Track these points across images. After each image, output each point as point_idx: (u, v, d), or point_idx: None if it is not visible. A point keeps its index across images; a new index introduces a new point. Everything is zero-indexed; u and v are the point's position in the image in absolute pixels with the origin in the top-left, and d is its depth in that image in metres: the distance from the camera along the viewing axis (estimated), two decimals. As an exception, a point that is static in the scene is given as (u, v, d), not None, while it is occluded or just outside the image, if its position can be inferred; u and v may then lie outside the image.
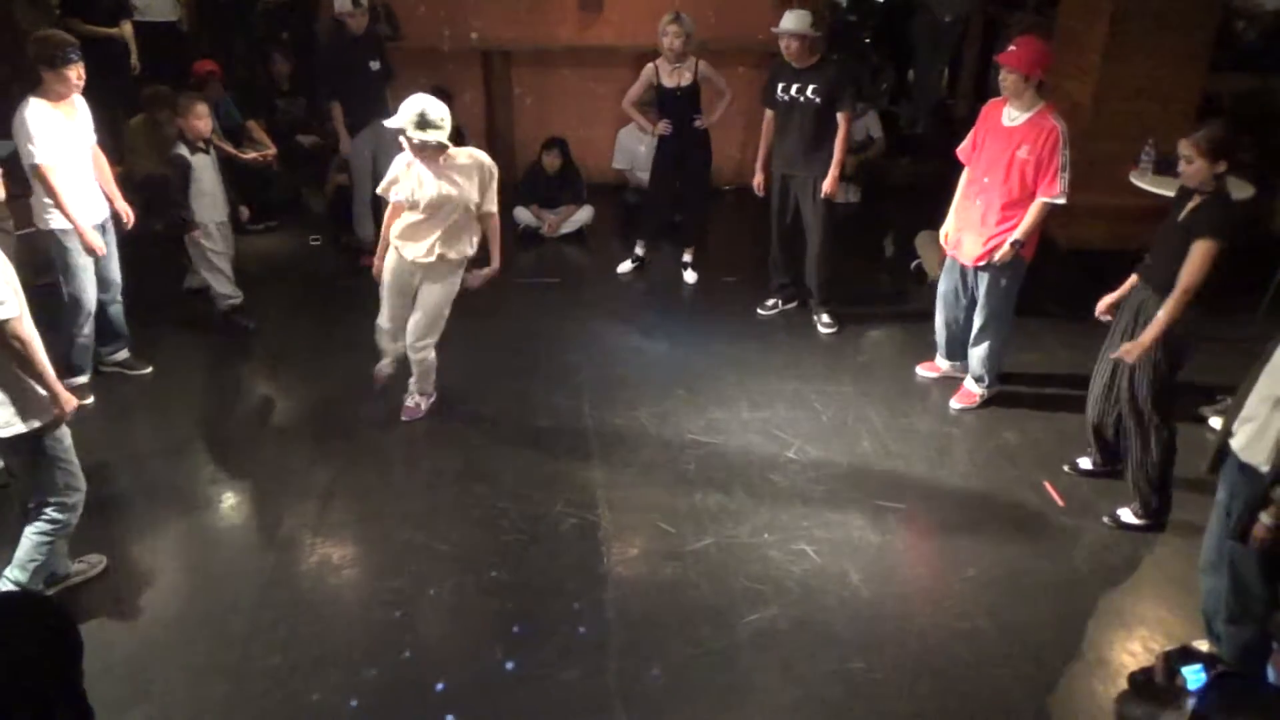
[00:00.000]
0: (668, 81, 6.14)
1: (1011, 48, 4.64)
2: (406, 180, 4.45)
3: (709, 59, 6.25)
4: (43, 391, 3.31)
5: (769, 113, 5.85)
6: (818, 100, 5.53)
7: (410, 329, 4.73)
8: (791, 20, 5.48)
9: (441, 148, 4.31)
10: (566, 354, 5.64)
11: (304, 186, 7.64)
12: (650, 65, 6.18)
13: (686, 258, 6.70)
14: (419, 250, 4.52)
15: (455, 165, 4.43)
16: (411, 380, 4.92)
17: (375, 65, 6.38)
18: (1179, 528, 4.23)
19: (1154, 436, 4.10)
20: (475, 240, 4.63)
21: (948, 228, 5.05)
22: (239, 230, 7.07)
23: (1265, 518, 2.98)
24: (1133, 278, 4.18)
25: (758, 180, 5.97)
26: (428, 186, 4.40)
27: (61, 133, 4.61)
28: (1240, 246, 3.81)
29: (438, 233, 4.48)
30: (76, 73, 4.55)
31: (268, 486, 4.50)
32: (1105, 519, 4.28)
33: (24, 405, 3.30)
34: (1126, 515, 4.27)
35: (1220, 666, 3.33)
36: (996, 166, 4.71)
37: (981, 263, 4.83)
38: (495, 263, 4.73)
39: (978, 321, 4.98)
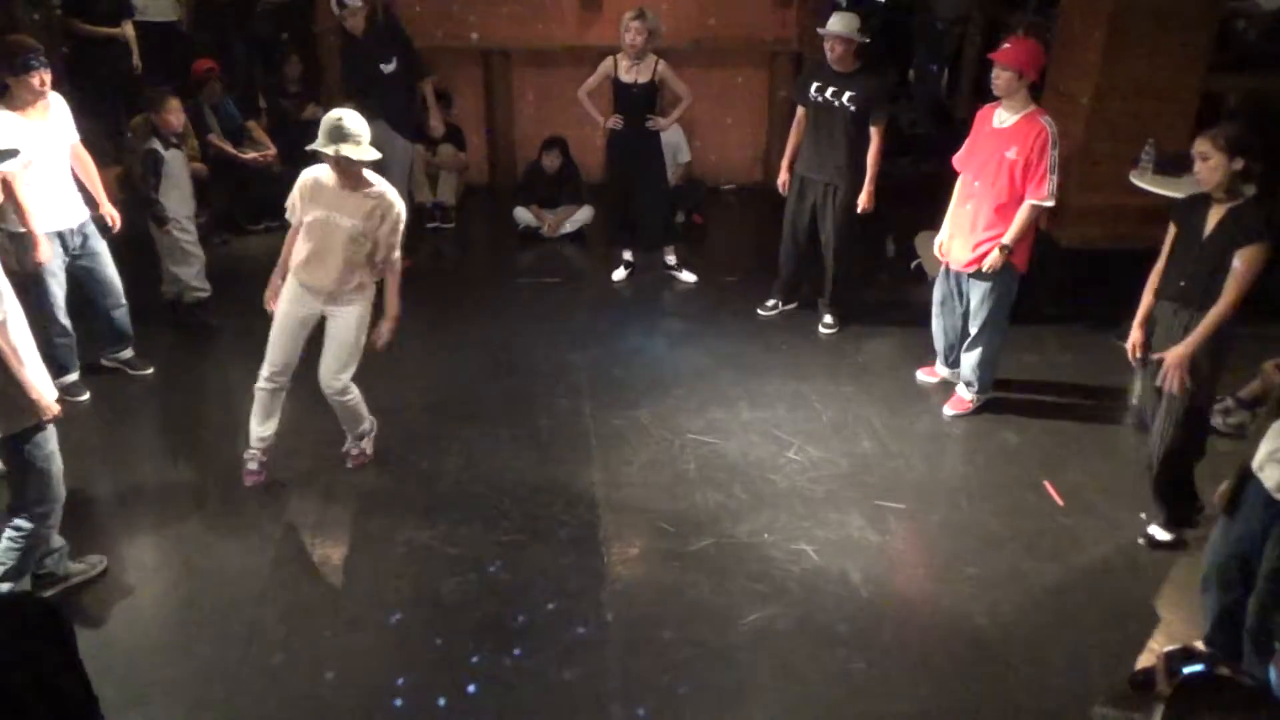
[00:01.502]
0: (624, 77, 6.07)
1: (1005, 45, 4.59)
2: (308, 200, 4.13)
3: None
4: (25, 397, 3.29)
5: (800, 111, 5.75)
6: (853, 108, 5.44)
7: (324, 369, 4.30)
8: (839, 23, 5.40)
9: (356, 165, 3.99)
10: (566, 354, 5.64)
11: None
12: (609, 59, 6.13)
13: (670, 259, 6.60)
14: (325, 278, 4.16)
15: (364, 194, 4.10)
16: (345, 428, 4.53)
17: (388, 67, 6.26)
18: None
19: (1184, 453, 4.01)
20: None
21: (942, 236, 4.97)
22: (238, 230, 7.10)
23: None
24: (1148, 299, 4.02)
25: (783, 179, 5.89)
26: (332, 209, 4.08)
27: (26, 141, 4.47)
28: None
29: (342, 256, 4.12)
30: (40, 78, 4.47)
31: (268, 486, 4.49)
32: (1140, 540, 4.17)
33: (12, 406, 3.29)
34: (1157, 531, 4.15)
35: (1221, 667, 3.32)
36: (986, 170, 4.66)
37: (971, 269, 4.78)
38: (393, 309, 4.30)
39: (972, 329, 4.93)
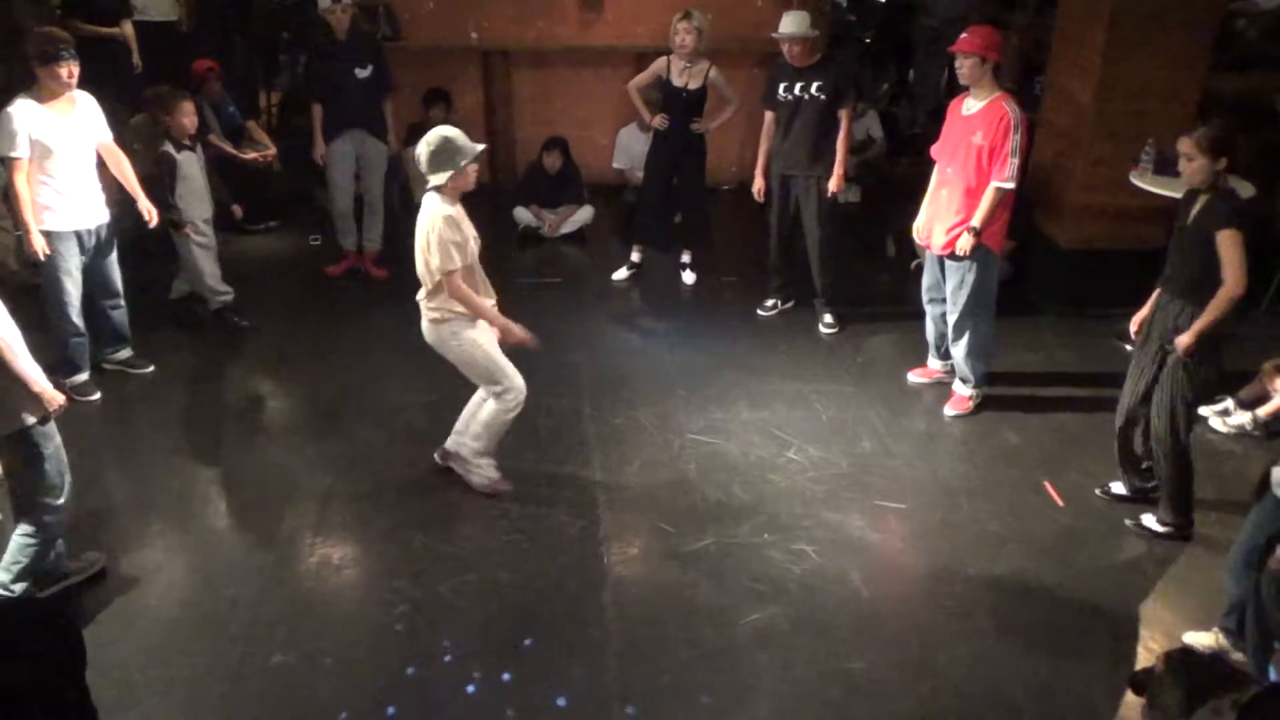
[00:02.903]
0: (676, 80, 6.10)
1: (963, 36, 4.68)
2: (467, 232, 3.99)
3: (705, 59, 6.22)
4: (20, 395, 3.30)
5: (769, 115, 5.83)
6: (823, 97, 5.54)
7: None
8: (791, 24, 5.47)
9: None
10: (566, 354, 5.63)
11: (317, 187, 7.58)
12: (663, 59, 6.14)
13: (685, 258, 6.68)
14: (490, 295, 4.20)
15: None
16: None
17: (363, 73, 6.09)
18: (1179, 528, 4.24)
19: (1173, 447, 4.05)
20: None
21: (918, 223, 5.08)
22: (238, 230, 7.09)
23: None
24: (1156, 292, 4.12)
25: (758, 186, 5.94)
26: (470, 229, 4.05)
27: (49, 132, 4.58)
28: (1252, 245, 3.78)
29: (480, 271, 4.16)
30: (67, 70, 4.52)
31: (268, 486, 4.49)
32: (1128, 521, 4.26)
33: (8, 404, 3.29)
34: (1150, 522, 4.22)
35: (1221, 666, 3.34)
36: (956, 156, 4.77)
37: (946, 252, 4.85)
38: None
39: (952, 318, 4.97)
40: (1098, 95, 5.79)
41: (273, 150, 7.12)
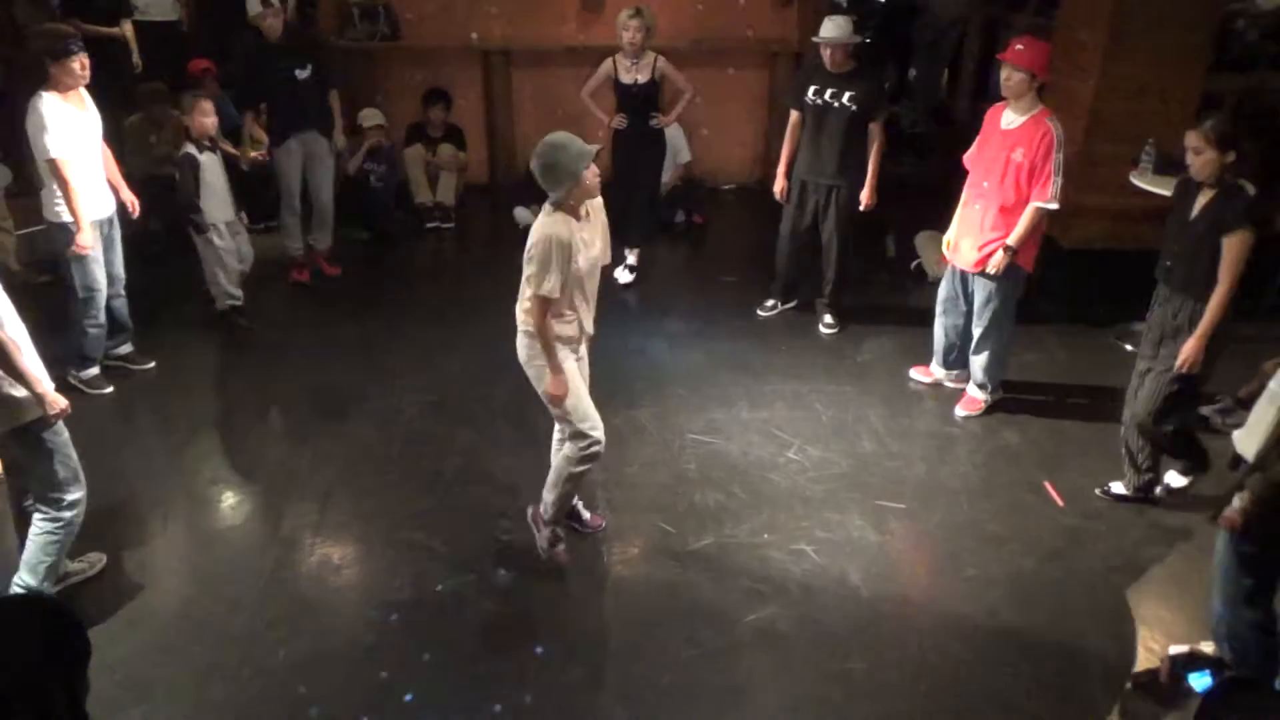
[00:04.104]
0: (625, 77, 6.09)
1: (1018, 46, 4.54)
2: (584, 257, 3.60)
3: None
4: (23, 393, 3.30)
5: (794, 115, 5.74)
6: (853, 107, 5.45)
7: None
8: (834, 29, 5.39)
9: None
10: (566, 354, 5.63)
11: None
12: (609, 60, 6.15)
13: (630, 260, 6.54)
14: (591, 319, 3.85)
15: (592, 208, 3.70)
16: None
17: (303, 73, 5.97)
18: (1179, 529, 4.24)
19: (1152, 433, 4.13)
20: None
21: (950, 235, 4.99)
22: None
23: (1236, 501, 3.05)
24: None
25: (780, 187, 5.88)
26: (589, 248, 3.67)
27: (74, 126, 4.61)
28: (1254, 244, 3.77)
29: (596, 291, 3.84)
30: (80, 63, 4.53)
31: (268, 486, 4.50)
32: (1159, 490, 4.34)
33: (12, 404, 3.29)
34: (1175, 479, 4.33)
35: (1228, 672, 3.33)
36: (993, 170, 4.66)
37: (977, 270, 4.79)
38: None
39: (977, 331, 4.94)
40: (1097, 96, 5.79)
41: (272, 149, 7.13)
